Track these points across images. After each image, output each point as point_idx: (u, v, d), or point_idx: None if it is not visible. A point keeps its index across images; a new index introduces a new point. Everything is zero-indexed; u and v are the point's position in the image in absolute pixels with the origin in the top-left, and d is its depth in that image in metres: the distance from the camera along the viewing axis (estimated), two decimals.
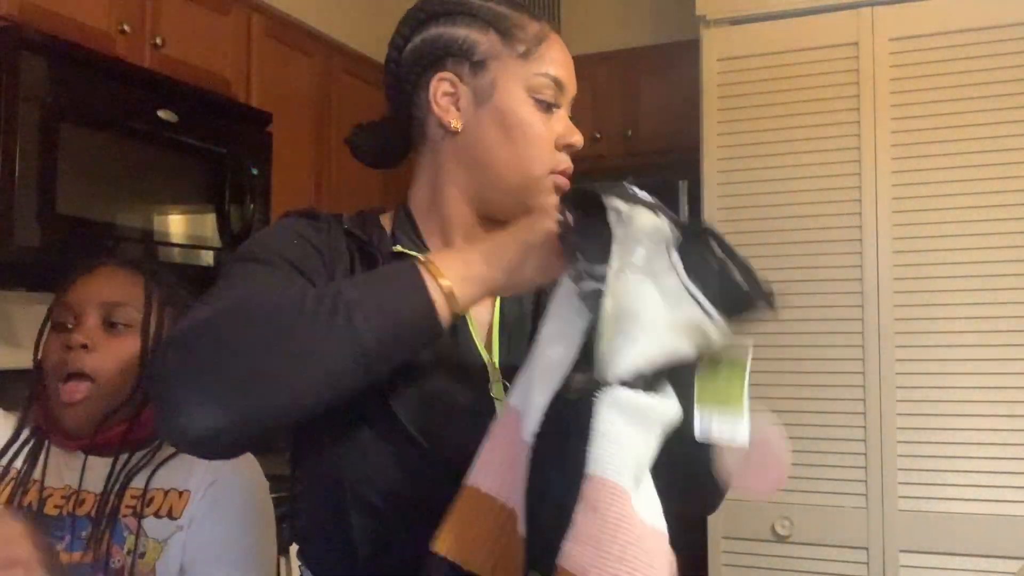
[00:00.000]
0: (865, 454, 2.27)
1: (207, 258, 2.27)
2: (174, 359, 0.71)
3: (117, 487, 1.08)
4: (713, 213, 2.47)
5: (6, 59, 1.78)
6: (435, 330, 0.74)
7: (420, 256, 0.76)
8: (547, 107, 0.91)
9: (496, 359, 0.88)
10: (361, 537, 0.82)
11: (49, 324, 1.13)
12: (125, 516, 1.08)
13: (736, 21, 2.50)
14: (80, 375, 1.08)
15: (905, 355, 2.26)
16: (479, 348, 0.89)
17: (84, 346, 1.08)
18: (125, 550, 1.06)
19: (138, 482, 1.09)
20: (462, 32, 0.91)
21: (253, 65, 2.58)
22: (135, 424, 1.11)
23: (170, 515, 1.09)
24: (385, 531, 0.82)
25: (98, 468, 1.10)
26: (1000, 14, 2.24)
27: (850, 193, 2.34)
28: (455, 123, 0.90)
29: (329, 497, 0.84)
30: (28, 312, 2.24)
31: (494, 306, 0.92)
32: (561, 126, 0.92)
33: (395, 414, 0.81)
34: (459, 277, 0.74)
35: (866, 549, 2.27)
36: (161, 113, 2.12)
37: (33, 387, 1.15)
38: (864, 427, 2.28)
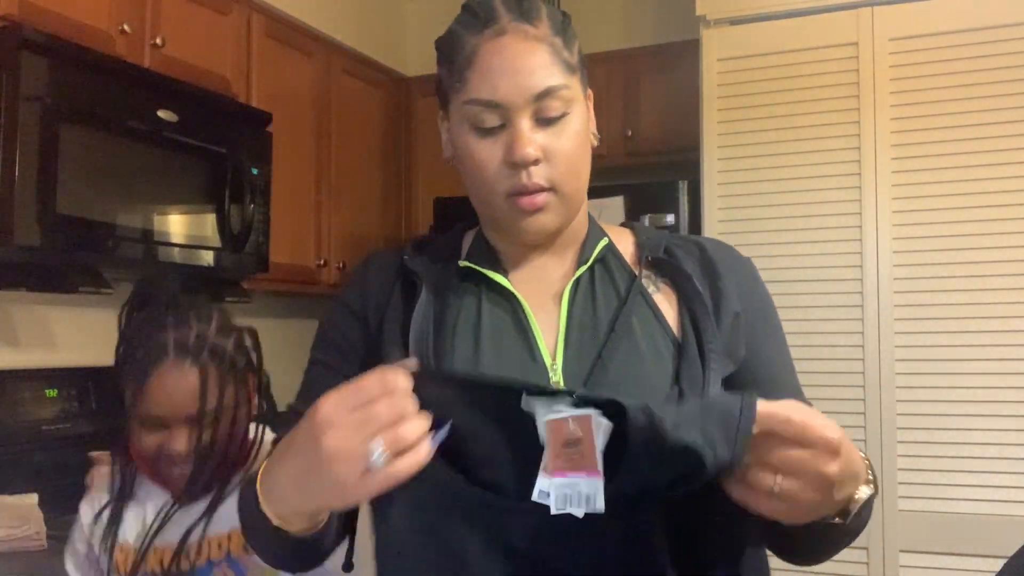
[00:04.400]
0: (865, 454, 2.27)
1: (207, 258, 2.28)
2: None
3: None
4: (713, 213, 2.47)
5: (6, 59, 1.78)
6: (293, 539, 0.80)
7: (258, 487, 0.81)
8: (488, 131, 0.86)
9: (560, 363, 0.87)
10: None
11: (132, 415, 1.27)
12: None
13: (736, 21, 2.50)
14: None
15: (905, 355, 2.26)
16: (543, 353, 0.88)
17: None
18: None
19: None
20: (439, 70, 0.93)
21: (253, 65, 2.58)
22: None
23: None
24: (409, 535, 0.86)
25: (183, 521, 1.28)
26: (1000, 14, 2.24)
27: (850, 193, 2.34)
28: (451, 160, 0.94)
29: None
30: (28, 312, 2.24)
31: (560, 308, 0.90)
32: (505, 144, 0.86)
33: None
34: (274, 498, 0.79)
35: (866, 549, 2.27)
36: (161, 113, 2.12)
37: (122, 451, 1.32)
38: (864, 427, 2.28)
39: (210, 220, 2.29)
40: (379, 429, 0.69)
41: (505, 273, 0.93)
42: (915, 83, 2.29)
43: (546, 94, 0.85)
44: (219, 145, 2.30)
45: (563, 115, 0.86)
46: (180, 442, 1.24)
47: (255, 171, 2.41)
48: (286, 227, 2.66)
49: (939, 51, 2.28)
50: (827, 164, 2.37)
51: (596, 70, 3.14)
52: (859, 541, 2.40)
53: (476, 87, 0.86)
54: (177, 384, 1.24)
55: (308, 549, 0.83)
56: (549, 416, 0.73)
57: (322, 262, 2.85)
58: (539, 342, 0.88)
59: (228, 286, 2.50)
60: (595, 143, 0.93)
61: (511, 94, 0.85)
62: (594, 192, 0.98)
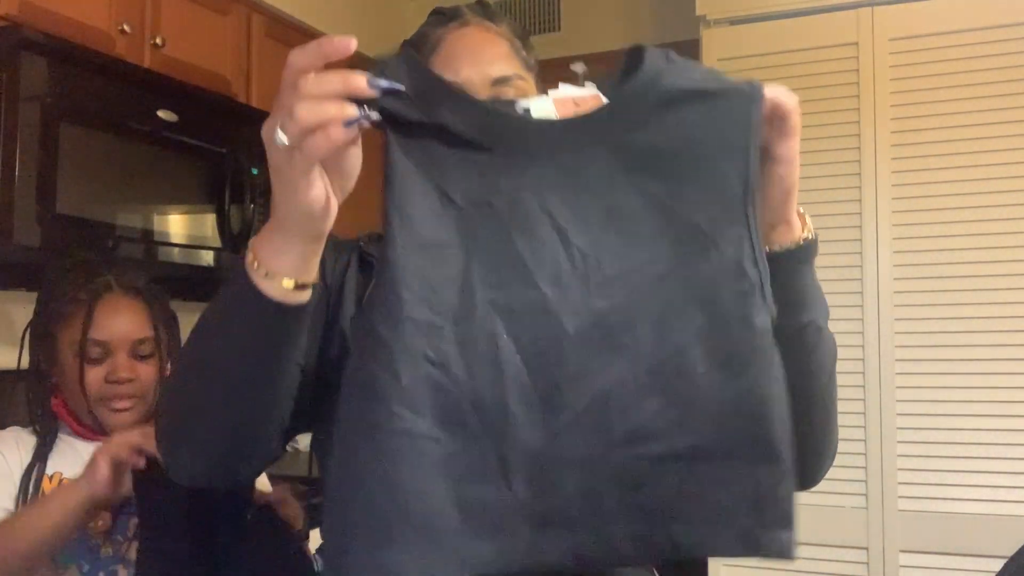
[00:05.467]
0: (865, 454, 2.27)
1: (207, 258, 2.27)
2: (159, 425, 0.84)
3: None
4: None
5: (6, 59, 1.78)
6: (265, 305, 0.73)
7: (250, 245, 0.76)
8: None
9: None
10: None
11: (75, 352, 1.31)
12: None
13: (736, 21, 2.50)
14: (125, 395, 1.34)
15: (905, 355, 2.26)
16: None
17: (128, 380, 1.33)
18: None
19: None
20: None
21: (253, 65, 2.58)
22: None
23: None
24: None
25: None
26: (1000, 14, 2.24)
27: (850, 193, 2.34)
28: None
29: None
30: (28, 312, 2.24)
31: None
32: None
33: None
34: (267, 250, 0.73)
35: (866, 549, 2.27)
36: (161, 113, 2.12)
37: (43, 396, 1.35)
38: (864, 427, 2.28)
39: (210, 220, 2.29)
40: (284, 112, 0.68)
41: None
42: (915, 83, 2.29)
43: (503, 81, 0.91)
44: (219, 145, 2.30)
45: None
46: (124, 368, 1.31)
47: (255, 171, 2.41)
48: None
49: (939, 51, 2.28)
50: (827, 164, 2.37)
51: (596, 70, 3.13)
52: (859, 541, 2.41)
53: (440, 70, 0.89)
54: (124, 310, 1.32)
55: (278, 341, 0.76)
56: (556, 95, 0.74)
57: None
58: None
59: None
60: None
61: (472, 76, 0.90)
62: None
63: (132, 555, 1.25)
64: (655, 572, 0.94)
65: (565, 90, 0.74)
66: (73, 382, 1.30)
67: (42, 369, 1.34)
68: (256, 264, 0.73)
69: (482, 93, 0.88)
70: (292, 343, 0.77)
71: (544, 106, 0.73)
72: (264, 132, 0.69)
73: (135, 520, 1.27)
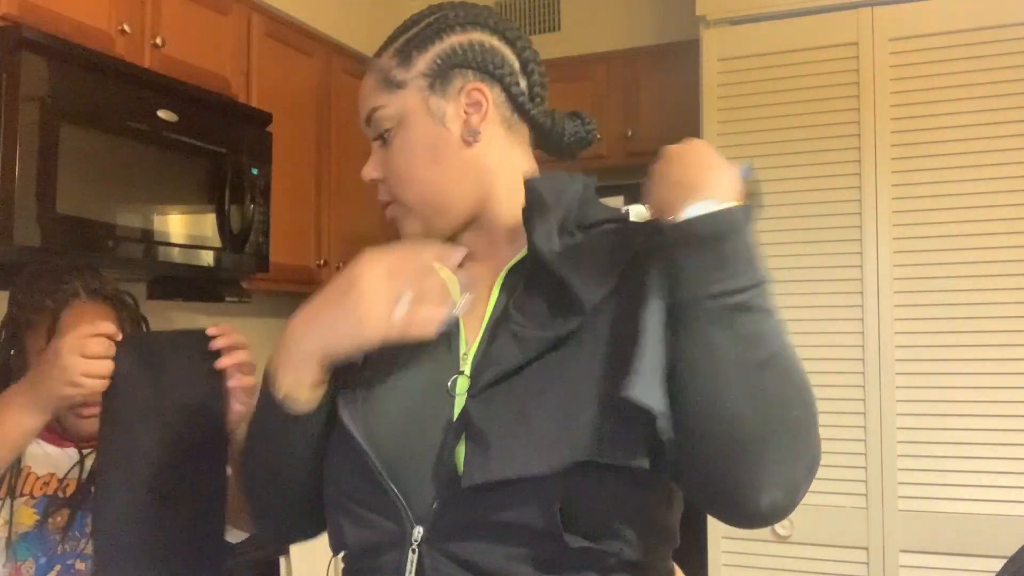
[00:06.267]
0: (865, 454, 2.27)
1: (207, 258, 2.27)
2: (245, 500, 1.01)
3: None
4: None
5: (6, 59, 1.78)
6: (282, 413, 0.88)
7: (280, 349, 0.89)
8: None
9: (472, 352, 0.87)
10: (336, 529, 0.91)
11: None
12: None
13: (736, 21, 2.50)
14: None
15: (905, 355, 2.26)
16: (461, 341, 0.89)
17: None
18: None
19: None
20: None
21: (253, 65, 2.58)
22: None
23: None
24: (348, 523, 0.88)
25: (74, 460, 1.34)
26: (1000, 14, 2.24)
27: (850, 193, 2.34)
28: None
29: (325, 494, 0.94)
30: None
31: (489, 298, 0.90)
32: None
33: (342, 418, 0.87)
34: (288, 368, 0.86)
35: (866, 549, 2.27)
36: (161, 113, 2.12)
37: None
38: (864, 427, 2.28)
39: (210, 220, 2.29)
40: (409, 286, 0.82)
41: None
42: (915, 83, 2.30)
43: (367, 119, 0.95)
44: (219, 145, 2.30)
45: (388, 131, 0.93)
46: None
47: (255, 171, 2.41)
48: (286, 227, 2.66)
49: (939, 51, 2.28)
50: (827, 164, 2.37)
51: (596, 70, 3.14)
52: (859, 541, 2.41)
53: None
54: (91, 317, 1.28)
55: (291, 441, 0.89)
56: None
57: (322, 262, 2.85)
58: (460, 331, 0.89)
59: (228, 286, 2.50)
60: (470, 139, 0.91)
61: (361, 123, 0.97)
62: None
63: (91, 551, 1.25)
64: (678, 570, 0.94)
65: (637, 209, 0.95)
66: None
67: (12, 373, 1.31)
68: (280, 354, 0.87)
69: (369, 135, 0.95)
70: (297, 436, 0.90)
71: (639, 210, 0.95)
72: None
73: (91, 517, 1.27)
